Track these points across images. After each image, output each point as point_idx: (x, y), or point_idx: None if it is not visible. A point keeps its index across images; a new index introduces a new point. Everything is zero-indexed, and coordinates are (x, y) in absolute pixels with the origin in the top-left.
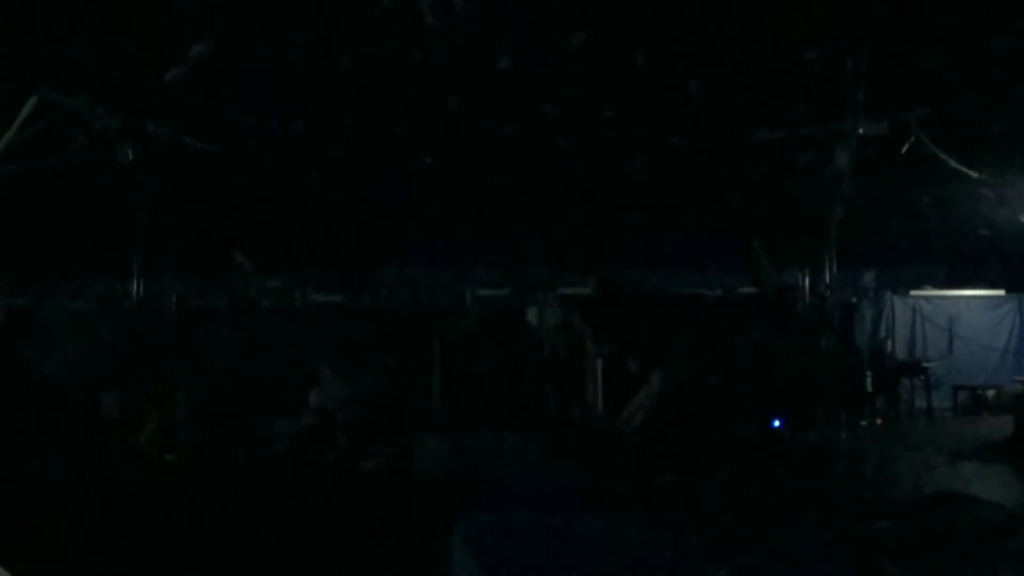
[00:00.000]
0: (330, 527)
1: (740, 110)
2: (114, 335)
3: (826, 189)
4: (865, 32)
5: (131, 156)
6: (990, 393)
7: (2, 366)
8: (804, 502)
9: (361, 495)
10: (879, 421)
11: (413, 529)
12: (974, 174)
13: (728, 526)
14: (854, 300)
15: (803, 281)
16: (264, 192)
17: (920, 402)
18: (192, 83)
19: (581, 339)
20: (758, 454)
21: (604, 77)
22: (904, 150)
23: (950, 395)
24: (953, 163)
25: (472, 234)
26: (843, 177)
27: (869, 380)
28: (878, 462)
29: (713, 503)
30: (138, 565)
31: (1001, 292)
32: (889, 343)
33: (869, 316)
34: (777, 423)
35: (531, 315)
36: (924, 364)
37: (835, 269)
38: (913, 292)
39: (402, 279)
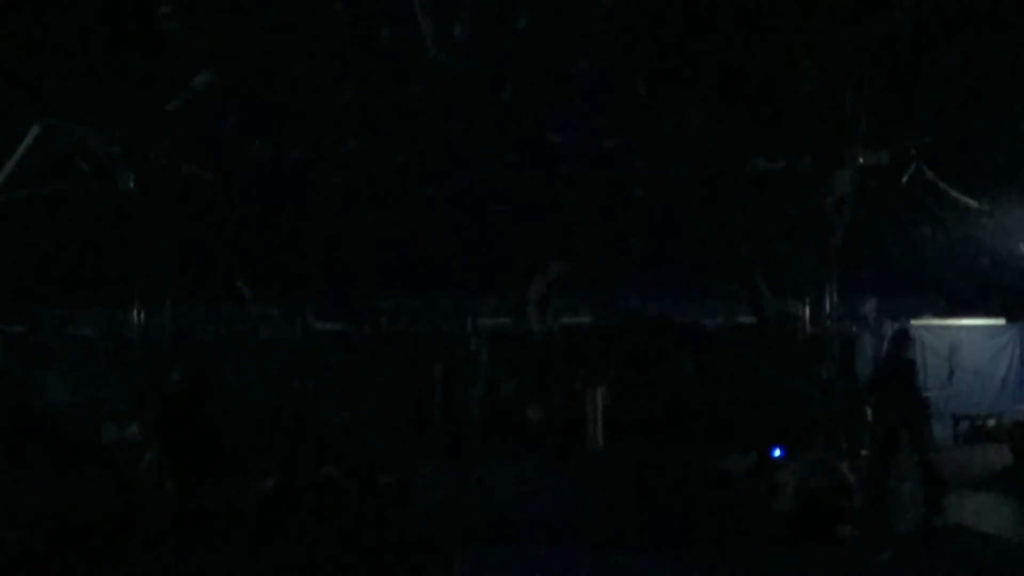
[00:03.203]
0: (331, 558)
1: (741, 139)
2: (114, 362)
3: (827, 218)
4: (867, 63)
5: (132, 183)
6: (990, 423)
7: (0, 393)
8: (804, 532)
9: (362, 525)
10: None
11: (414, 561)
12: (974, 203)
13: (724, 555)
14: (855, 329)
15: (803, 310)
16: (265, 220)
17: None
18: (193, 111)
19: (576, 368)
20: (755, 482)
21: (606, 106)
22: (905, 179)
23: (950, 424)
24: (954, 193)
25: (474, 262)
26: (844, 206)
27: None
28: (879, 492)
29: (709, 532)
30: None
31: (1001, 321)
32: None
33: (869, 345)
34: (777, 452)
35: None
36: (924, 393)
37: (836, 298)
38: (913, 321)
39: (403, 307)
